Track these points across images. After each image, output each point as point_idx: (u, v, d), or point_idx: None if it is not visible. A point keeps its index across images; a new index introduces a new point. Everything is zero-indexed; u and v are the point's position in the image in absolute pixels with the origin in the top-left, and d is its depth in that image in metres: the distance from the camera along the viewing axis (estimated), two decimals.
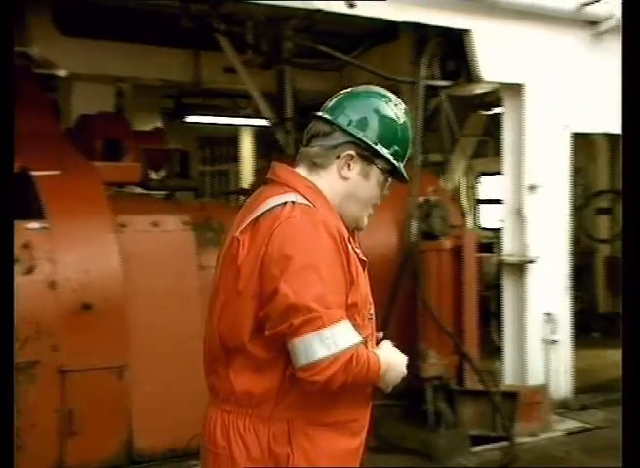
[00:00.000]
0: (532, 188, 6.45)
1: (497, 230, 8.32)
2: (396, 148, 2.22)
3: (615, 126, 7.14)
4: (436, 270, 5.67)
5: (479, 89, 6.52)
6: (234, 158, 11.94)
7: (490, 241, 9.58)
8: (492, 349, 7.26)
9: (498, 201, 7.54)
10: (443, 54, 6.32)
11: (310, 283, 1.97)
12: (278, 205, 2.06)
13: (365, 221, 2.26)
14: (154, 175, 6.56)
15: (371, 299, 2.21)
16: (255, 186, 7.40)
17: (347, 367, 1.97)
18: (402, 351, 2.22)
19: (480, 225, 11.46)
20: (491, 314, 7.49)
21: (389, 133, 2.21)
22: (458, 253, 5.89)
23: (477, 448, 5.51)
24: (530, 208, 6.47)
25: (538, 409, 5.96)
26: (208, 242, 5.71)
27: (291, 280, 1.96)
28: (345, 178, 2.19)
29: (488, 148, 10.65)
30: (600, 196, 10.29)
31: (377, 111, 2.22)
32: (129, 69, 7.36)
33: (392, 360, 2.14)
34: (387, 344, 2.21)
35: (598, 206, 10.29)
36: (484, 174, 11.35)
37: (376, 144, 2.19)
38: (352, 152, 2.18)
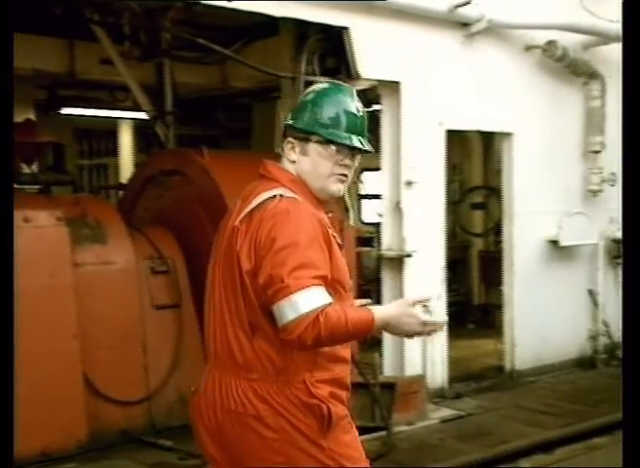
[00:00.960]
0: (409, 184, 6.62)
1: (377, 225, 8.50)
2: (325, 120, 2.52)
3: (487, 124, 7.44)
4: None
5: (358, 86, 6.59)
6: (113, 152, 11.63)
7: (371, 235, 9.80)
8: (372, 341, 7.40)
9: (379, 196, 7.69)
10: (323, 50, 6.38)
11: (287, 259, 2.33)
12: (269, 198, 2.46)
13: (334, 190, 2.56)
14: (26, 169, 6.30)
15: (348, 276, 2.59)
16: (133, 180, 7.29)
17: (315, 324, 2.29)
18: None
19: (362, 220, 11.68)
20: None
21: (315, 109, 2.54)
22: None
23: None
24: (407, 203, 6.64)
25: (415, 399, 6.13)
26: (83, 238, 5.54)
27: (272, 258, 2.36)
28: (292, 161, 2.58)
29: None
30: (474, 191, 10.69)
31: (305, 97, 2.60)
32: None
33: (390, 316, 2.43)
34: (394, 303, 2.50)
35: (473, 201, 10.68)
36: (366, 169, 11.55)
37: (304, 125, 2.54)
38: (290, 138, 2.58)
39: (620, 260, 8.19)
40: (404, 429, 5.86)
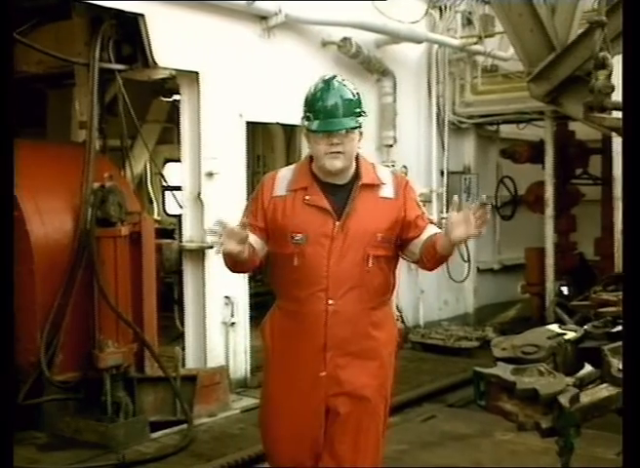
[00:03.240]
0: (210, 175, 6.60)
1: (180, 216, 8.39)
2: (308, 112, 3.11)
3: (287, 117, 7.57)
4: (113, 257, 5.55)
5: (156, 75, 6.47)
6: None
7: (174, 227, 9.65)
8: (176, 335, 7.32)
9: (180, 188, 7.60)
10: (118, 37, 6.19)
11: None
12: None
13: (328, 166, 3.10)
14: None
15: (302, 229, 3.12)
16: None
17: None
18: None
19: (166, 212, 11.49)
20: (174, 300, 7.55)
21: (304, 103, 3.14)
22: (136, 239, 5.84)
23: (156, 434, 5.53)
24: (208, 194, 6.62)
25: (217, 390, 6.13)
26: None
27: None
28: (309, 148, 3.19)
29: (173, 135, 10.67)
30: None
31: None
32: None
33: None
34: None
35: None
36: (170, 160, 11.36)
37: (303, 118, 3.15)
38: (304, 132, 3.20)
39: None
40: (205, 421, 5.86)
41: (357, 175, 3.18)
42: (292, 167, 3.30)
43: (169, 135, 10.75)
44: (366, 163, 3.24)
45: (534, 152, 9.44)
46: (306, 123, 3.10)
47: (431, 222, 3.28)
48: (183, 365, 6.45)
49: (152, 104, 9.95)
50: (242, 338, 6.91)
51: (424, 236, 3.19)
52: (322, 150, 3.07)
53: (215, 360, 6.65)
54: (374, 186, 3.18)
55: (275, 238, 3.18)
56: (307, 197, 3.13)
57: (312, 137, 3.10)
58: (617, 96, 4.70)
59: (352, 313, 3.11)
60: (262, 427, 3.41)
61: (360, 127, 3.11)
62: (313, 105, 3.09)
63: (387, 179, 3.22)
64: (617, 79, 5.35)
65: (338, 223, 3.10)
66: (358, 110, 3.10)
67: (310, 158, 3.21)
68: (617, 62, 6.14)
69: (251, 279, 7.42)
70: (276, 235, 3.17)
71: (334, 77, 3.14)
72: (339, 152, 3.05)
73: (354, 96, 3.11)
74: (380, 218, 3.14)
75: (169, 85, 8.17)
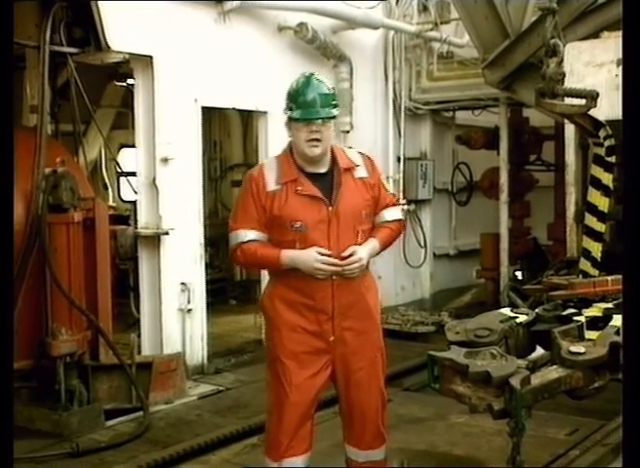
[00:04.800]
0: (165, 160, 6.54)
1: (135, 203, 8.30)
2: (290, 103, 3.49)
3: (243, 102, 7.52)
4: (65, 244, 5.47)
5: (109, 58, 6.37)
6: None
7: (130, 213, 9.54)
8: (132, 321, 7.26)
9: (135, 173, 7.50)
10: (70, 19, 6.07)
11: (233, 210, 3.66)
12: None
13: (308, 153, 3.45)
14: None
15: (299, 217, 3.47)
16: None
17: (236, 254, 3.56)
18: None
19: (121, 198, 11.35)
20: (129, 287, 7.48)
21: (287, 96, 3.52)
22: (90, 225, 5.76)
23: (112, 422, 5.49)
24: (163, 180, 6.56)
25: (173, 377, 6.10)
26: None
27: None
28: (290, 136, 3.54)
29: (128, 120, 10.52)
30: (235, 169, 10.80)
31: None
32: None
33: (296, 258, 3.46)
34: (309, 250, 3.46)
35: (234, 178, 10.79)
36: (125, 146, 11.20)
37: (283, 111, 3.55)
38: (286, 122, 3.55)
39: None
40: (162, 408, 5.83)
41: (334, 162, 3.56)
42: (272, 161, 3.61)
43: (124, 120, 10.59)
44: (337, 149, 3.62)
45: (489, 138, 9.54)
46: (289, 113, 3.48)
47: (395, 203, 3.77)
48: (140, 352, 6.41)
49: (107, 89, 9.80)
50: (199, 325, 6.89)
51: (380, 218, 3.68)
52: (302, 137, 3.44)
53: (171, 347, 6.61)
54: (350, 169, 3.57)
55: (274, 227, 3.52)
56: (299, 188, 3.48)
57: (294, 126, 3.48)
58: (567, 82, 4.75)
59: (352, 282, 3.54)
60: (275, 394, 3.69)
61: (335, 117, 3.50)
62: (295, 98, 3.48)
63: (359, 161, 3.63)
64: (568, 66, 5.43)
65: (331, 209, 3.49)
66: (334, 102, 3.51)
67: (290, 151, 3.55)
68: (571, 49, 6.24)
69: (207, 265, 7.38)
70: (275, 225, 3.51)
71: (312, 74, 3.56)
72: (317, 139, 3.42)
73: (329, 90, 3.54)
74: (361, 197, 3.57)
75: (123, 69, 8.04)
